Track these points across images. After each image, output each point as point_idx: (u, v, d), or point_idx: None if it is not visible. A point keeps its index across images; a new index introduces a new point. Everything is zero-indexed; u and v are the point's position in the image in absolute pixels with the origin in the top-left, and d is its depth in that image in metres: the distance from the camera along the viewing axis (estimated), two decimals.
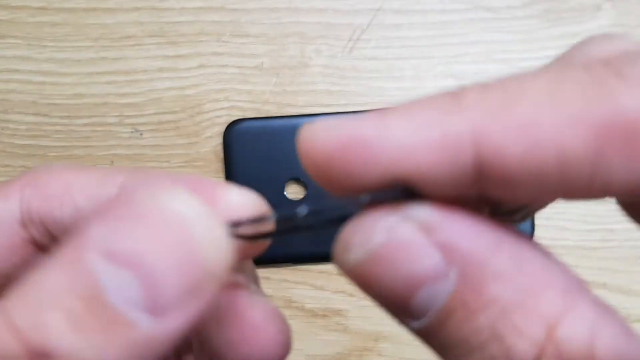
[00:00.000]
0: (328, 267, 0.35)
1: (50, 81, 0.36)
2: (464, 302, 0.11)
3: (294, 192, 0.35)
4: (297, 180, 0.35)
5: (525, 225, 0.35)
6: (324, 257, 0.34)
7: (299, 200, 0.35)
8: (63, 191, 0.15)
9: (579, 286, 0.11)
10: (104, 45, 0.36)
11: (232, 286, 0.15)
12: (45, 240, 0.15)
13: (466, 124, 0.11)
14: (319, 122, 0.12)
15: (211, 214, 0.11)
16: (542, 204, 0.15)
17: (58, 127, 0.35)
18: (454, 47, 0.36)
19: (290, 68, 0.36)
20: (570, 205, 0.35)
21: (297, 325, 0.35)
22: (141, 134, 0.35)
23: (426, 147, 0.11)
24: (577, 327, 0.10)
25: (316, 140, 0.11)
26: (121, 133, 0.35)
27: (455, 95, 0.12)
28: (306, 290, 0.35)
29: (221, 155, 0.35)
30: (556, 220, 0.35)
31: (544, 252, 0.11)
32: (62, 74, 0.36)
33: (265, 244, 0.14)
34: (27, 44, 0.36)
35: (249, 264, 0.17)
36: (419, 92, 0.36)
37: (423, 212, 0.11)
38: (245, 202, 0.13)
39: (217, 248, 0.11)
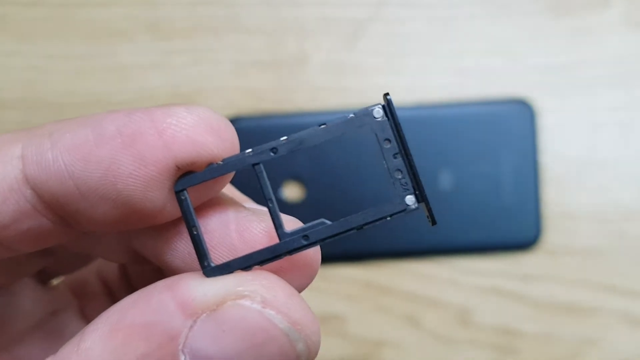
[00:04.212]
0: (328, 270, 0.34)
1: (40, 78, 0.35)
2: None
3: (291, 192, 0.34)
4: (296, 180, 0.34)
5: (532, 228, 0.34)
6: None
7: (296, 203, 0.34)
8: None
9: None
10: (95, 41, 0.35)
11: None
12: None
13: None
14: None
15: (310, 318, 0.13)
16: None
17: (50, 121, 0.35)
18: (459, 42, 0.35)
19: (288, 64, 0.35)
20: (579, 207, 0.34)
21: None
22: None
23: None
24: None
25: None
26: None
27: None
28: (304, 294, 0.34)
29: None
30: (565, 223, 0.34)
31: None
32: (52, 70, 0.35)
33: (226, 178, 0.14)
34: (16, 39, 0.35)
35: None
36: (424, 89, 0.35)
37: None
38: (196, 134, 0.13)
39: (315, 352, 0.13)
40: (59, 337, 0.17)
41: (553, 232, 0.34)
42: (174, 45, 0.35)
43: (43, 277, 0.18)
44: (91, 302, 0.19)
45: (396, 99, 0.34)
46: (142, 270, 0.19)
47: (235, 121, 0.34)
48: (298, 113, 0.34)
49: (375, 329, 0.34)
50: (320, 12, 0.35)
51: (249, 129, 0.34)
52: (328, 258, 0.35)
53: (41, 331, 0.17)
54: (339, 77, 0.35)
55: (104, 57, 0.35)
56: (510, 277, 0.35)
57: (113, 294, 0.19)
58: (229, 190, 0.16)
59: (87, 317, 0.18)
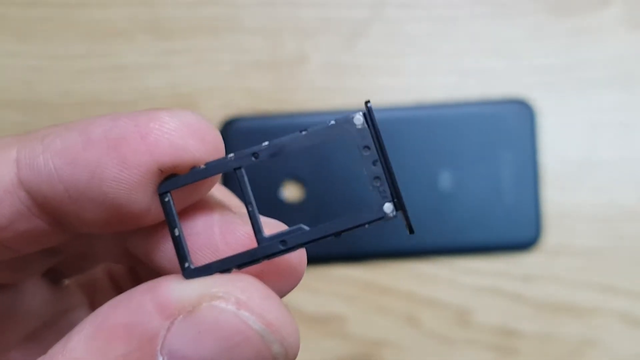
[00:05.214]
0: (328, 270, 0.34)
1: (40, 78, 0.35)
2: None
3: (291, 193, 0.34)
4: (296, 180, 0.34)
5: (532, 229, 0.34)
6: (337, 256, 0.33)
7: (296, 204, 0.34)
8: None
9: None
10: (95, 41, 0.35)
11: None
12: None
13: None
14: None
15: (287, 320, 0.13)
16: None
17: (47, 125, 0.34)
18: (459, 42, 0.35)
19: (288, 64, 0.35)
20: (579, 207, 0.34)
21: None
22: None
23: None
24: None
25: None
26: None
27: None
28: (304, 294, 0.34)
29: None
30: (565, 223, 0.34)
31: None
32: (52, 70, 0.35)
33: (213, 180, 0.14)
34: (16, 39, 0.35)
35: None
36: (424, 89, 0.35)
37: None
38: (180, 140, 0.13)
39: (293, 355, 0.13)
40: None
41: (553, 232, 0.34)
42: (174, 45, 0.35)
43: (54, 277, 0.18)
44: (101, 299, 0.19)
45: (396, 99, 0.35)
46: (147, 267, 0.19)
47: (234, 121, 0.34)
48: (297, 113, 0.34)
49: (375, 329, 0.34)
50: (320, 12, 0.35)
51: (249, 129, 0.34)
52: (328, 258, 0.35)
53: (53, 329, 0.18)
54: (339, 77, 0.35)
55: (104, 57, 0.35)
56: (510, 277, 0.35)
57: (122, 290, 0.19)
58: (227, 196, 0.16)
59: None
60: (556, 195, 0.34)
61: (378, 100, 0.35)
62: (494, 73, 0.35)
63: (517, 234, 0.34)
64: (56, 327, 0.18)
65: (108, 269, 0.20)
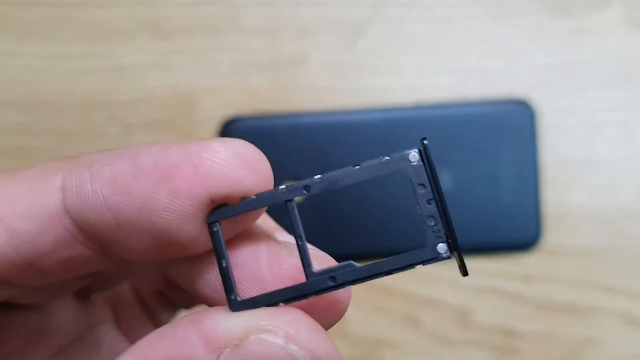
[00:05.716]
0: None
1: (40, 78, 0.35)
2: None
3: None
4: (295, 180, 0.34)
5: (532, 229, 0.34)
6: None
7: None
8: None
9: None
10: (95, 41, 0.35)
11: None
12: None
13: None
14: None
15: (334, 354, 0.12)
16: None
17: (47, 126, 0.35)
18: (459, 42, 0.35)
19: (288, 64, 0.35)
20: (579, 207, 0.34)
21: None
22: (133, 133, 0.34)
23: None
24: None
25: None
26: (113, 132, 0.34)
27: None
28: None
29: None
30: (565, 223, 0.34)
31: None
32: (52, 70, 0.35)
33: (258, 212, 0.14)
34: (16, 39, 0.35)
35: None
36: (424, 89, 0.35)
37: None
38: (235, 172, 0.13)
39: None
40: (97, 349, 0.18)
41: (553, 232, 0.34)
42: (174, 45, 0.35)
43: (82, 294, 0.18)
44: (126, 313, 0.19)
45: (396, 99, 0.35)
46: (179, 290, 0.19)
47: (234, 121, 0.34)
48: (297, 113, 0.34)
49: (375, 329, 0.34)
50: (320, 12, 0.35)
51: (249, 129, 0.34)
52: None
53: (81, 344, 0.17)
54: (339, 77, 0.35)
55: (104, 57, 0.35)
56: (510, 277, 0.35)
57: (146, 304, 0.19)
58: (263, 218, 0.16)
59: (123, 328, 0.19)
60: (556, 195, 0.34)
61: (378, 101, 0.35)
62: (494, 73, 0.35)
63: (517, 234, 0.34)
64: (83, 343, 0.18)
65: (133, 283, 0.20)
